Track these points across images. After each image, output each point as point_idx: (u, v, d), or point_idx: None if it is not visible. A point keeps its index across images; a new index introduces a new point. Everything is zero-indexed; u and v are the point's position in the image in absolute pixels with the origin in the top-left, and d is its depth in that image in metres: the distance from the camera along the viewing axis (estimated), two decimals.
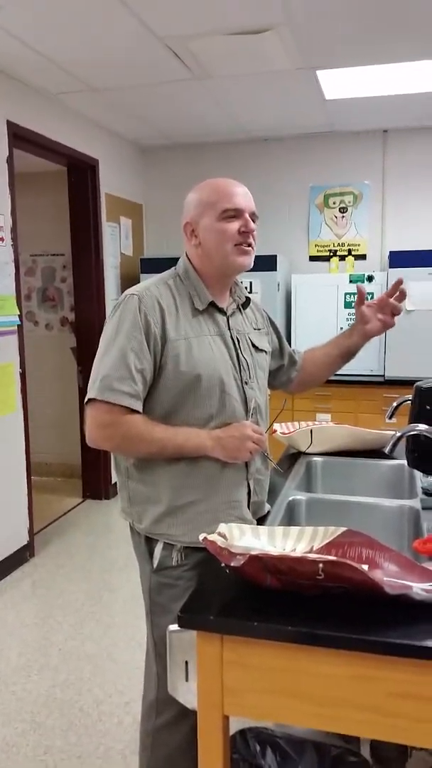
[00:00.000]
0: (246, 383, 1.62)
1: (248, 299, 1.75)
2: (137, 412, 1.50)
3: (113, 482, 4.98)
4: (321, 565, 1.07)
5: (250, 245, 1.59)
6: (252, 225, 1.58)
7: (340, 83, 3.83)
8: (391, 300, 1.76)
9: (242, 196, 1.57)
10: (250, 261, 1.61)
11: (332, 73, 3.66)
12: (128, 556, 3.83)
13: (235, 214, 1.55)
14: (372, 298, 4.49)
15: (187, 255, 1.65)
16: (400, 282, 1.76)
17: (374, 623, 1.08)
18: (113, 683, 2.63)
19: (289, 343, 1.95)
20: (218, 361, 1.57)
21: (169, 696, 1.23)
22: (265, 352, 1.76)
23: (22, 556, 3.79)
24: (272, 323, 1.88)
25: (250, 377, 1.64)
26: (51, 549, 4.02)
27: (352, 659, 1.06)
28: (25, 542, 3.83)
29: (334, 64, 3.52)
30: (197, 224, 1.58)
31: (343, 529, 1.30)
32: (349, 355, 1.88)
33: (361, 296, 1.80)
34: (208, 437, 1.53)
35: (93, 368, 1.54)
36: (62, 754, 2.23)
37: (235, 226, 1.55)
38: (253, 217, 1.60)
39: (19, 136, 3.76)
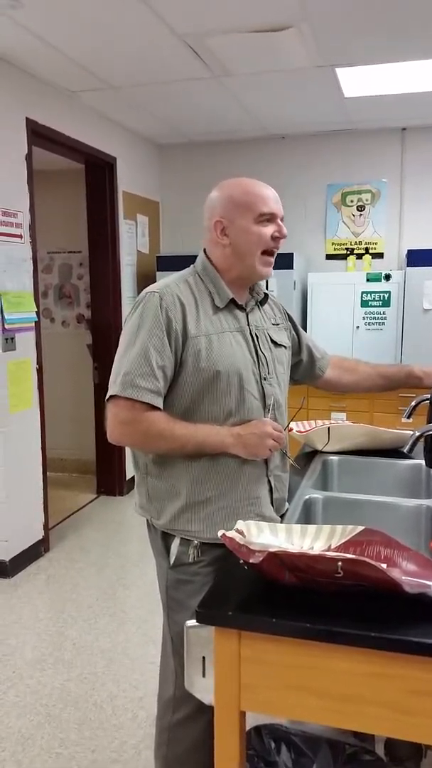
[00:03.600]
0: (265, 379, 1.62)
1: (266, 295, 1.76)
2: (158, 408, 1.51)
3: (127, 479, 5.00)
4: (340, 563, 1.08)
5: (273, 254, 1.62)
6: (285, 230, 1.61)
7: (359, 81, 3.81)
8: None
9: (275, 200, 1.59)
10: (270, 271, 1.65)
11: (351, 71, 3.65)
12: (142, 552, 3.86)
13: (270, 218, 1.57)
14: (390, 298, 4.55)
15: (206, 252, 1.65)
16: None
17: (392, 621, 1.08)
18: (127, 678, 2.65)
19: None
20: (238, 356, 1.57)
21: (186, 692, 1.23)
22: (285, 347, 1.77)
23: (37, 551, 3.82)
24: (291, 318, 1.88)
25: (269, 373, 1.64)
26: (65, 544, 4.04)
27: (369, 657, 1.06)
28: (40, 537, 3.86)
29: (354, 61, 3.51)
30: (231, 223, 1.58)
31: (362, 527, 1.30)
32: (389, 379, 2.01)
33: None
34: (228, 434, 1.53)
35: (114, 365, 1.54)
36: (77, 747, 2.25)
37: (269, 230, 1.58)
38: (282, 221, 1.62)
39: (38, 134, 3.78)
